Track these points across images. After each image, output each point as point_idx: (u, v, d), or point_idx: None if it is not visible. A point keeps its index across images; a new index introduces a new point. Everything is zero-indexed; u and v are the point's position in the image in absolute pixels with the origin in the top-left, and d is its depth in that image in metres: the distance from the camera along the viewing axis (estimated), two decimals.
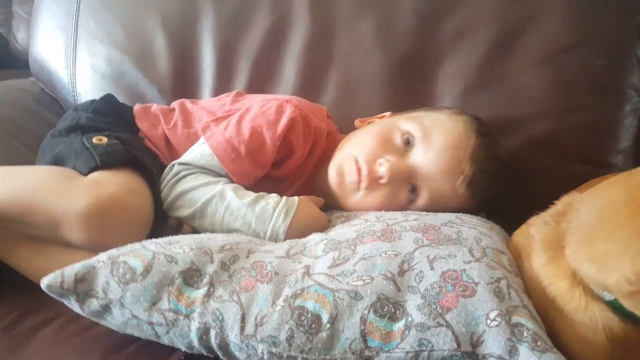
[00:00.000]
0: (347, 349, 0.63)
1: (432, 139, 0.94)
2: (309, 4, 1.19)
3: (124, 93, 1.27)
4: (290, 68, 1.21)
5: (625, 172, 0.69)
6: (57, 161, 0.92)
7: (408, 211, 0.92)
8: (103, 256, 0.71)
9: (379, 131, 0.99)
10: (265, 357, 0.64)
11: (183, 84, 1.26)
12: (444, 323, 0.62)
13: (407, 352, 0.62)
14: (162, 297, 0.68)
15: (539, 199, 0.79)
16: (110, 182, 0.83)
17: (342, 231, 0.81)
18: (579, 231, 0.66)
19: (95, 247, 0.76)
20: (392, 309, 0.64)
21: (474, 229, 0.79)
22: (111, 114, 1.06)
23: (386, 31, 1.14)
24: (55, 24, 1.34)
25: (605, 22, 1.03)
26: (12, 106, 1.27)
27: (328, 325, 0.64)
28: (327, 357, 0.63)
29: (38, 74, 1.40)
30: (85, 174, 0.85)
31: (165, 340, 0.69)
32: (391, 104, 1.12)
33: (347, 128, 1.09)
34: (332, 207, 0.99)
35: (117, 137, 0.94)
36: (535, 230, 0.75)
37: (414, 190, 0.95)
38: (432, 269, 0.68)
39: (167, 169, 0.94)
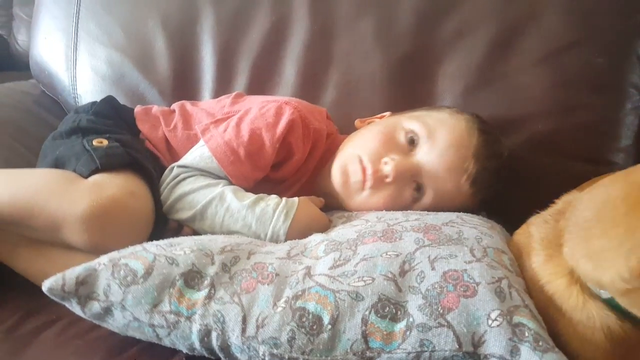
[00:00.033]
0: (349, 350, 0.63)
1: (437, 137, 0.94)
2: (309, 4, 1.19)
3: (124, 95, 1.27)
4: (290, 68, 1.20)
5: (624, 169, 0.69)
6: (58, 164, 0.92)
7: (409, 211, 0.92)
8: (104, 259, 0.71)
9: (382, 130, 0.99)
10: (266, 358, 0.64)
11: (183, 85, 1.26)
12: (445, 323, 0.62)
13: (409, 353, 0.62)
14: (163, 299, 0.68)
15: (540, 198, 0.79)
16: (111, 185, 0.83)
17: (342, 232, 0.81)
18: (576, 228, 0.66)
19: (96, 250, 0.76)
20: (394, 310, 0.64)
21: (475, 229, 0.79)
22: (112, 116, 1.06)
23: (386, 31, 1.14)
24: (56, 26, 1.34)
25: (606, 20, 1.03)
26: (13, 108, 1.27)
27: (329, 327, 0.64)
28: (329, 358, 0.63)
29: (39, 76, 1.40)
30: (86, 177, 0.85)
31: (166, 342, 0.69)
32: (391, 104, 1.12)
33: (348, 128, 1.09)
34: (333, 208, 0.99)
35: (118, 140, 0.94)
36: (534, 229, 0.76)
37: (418, 188, 0.95)
38: (433, 269, 0.68)
39: (166, 172, 0.93)
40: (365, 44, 1.15)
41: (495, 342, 0.61)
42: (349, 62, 1.17)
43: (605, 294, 0.64)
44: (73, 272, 0.69)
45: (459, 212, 0.89)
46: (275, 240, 0.86)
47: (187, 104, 1.12)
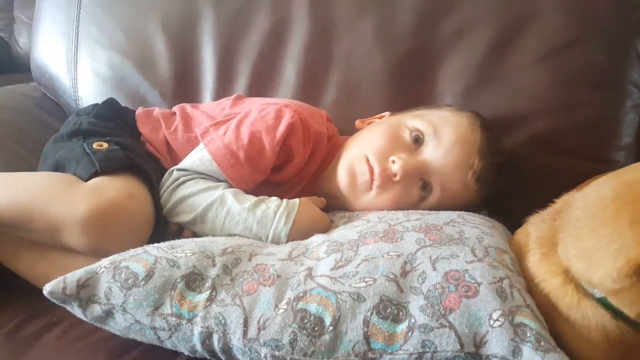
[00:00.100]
0: (350, 352, 0.63)
1: (442, 135, 0.94)
2: (309, 4, 1.18)
3: (125, 97, 1.27)
4: (290, 69, 1.20)
5: (620, 169, 0.69)
6: (58, 166, 0.92)
7: (410, 210, 0.91)
8: (105, 262, 0.71)
9: (387, 129, 0.99)
10: None
11: (184, 86, 1.26)
12: (447, 324, 0.62)
13: (411, 354, 0.62)
14: (164, 301, 0.68)
15: (541, 196, 0.79)
16: (110, 188, 0.83)
17: (344, 232, 0.81)
18: (569, 227, 0.66)
19: (96, 253, 0.76)
20: (395, 311, 0.64)
21: (476, 228, 0.79)
22: (113, 119, 1.07)
23: (386, 31, 1.14)
24: (57, 29, 1.35)
25: (605, 18, 1.03)
26: (15, 111, 1.28)
27: (331, 328, 0.64)
28: (330, 359, 0.63)
29: (40, 79, 1.40)
30: (86, 180, 0.85)
31: (168, 344, 0.69)
32: (392, 104, 1.12)
33: (349, 128, 1.09)
34: (334, 209, 0.99)
35: (118, 143, 0.94)
36: (532, 228, 0.76)
37: (425, 187, 0.95)
38: (434, 269, 0.68)
39: (166, 175, 0.93)
40: (365, 44, 1.15)
41: (497, 343, 0.60)
42: (349, 62, 1.17)
43: (598, 293, 0.64)
44: (74, 276, 0.69)
45: (463, 209, 0.89)
46: (276, 242, 0.86)
47: (188, 107, 1.12)
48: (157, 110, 1.12)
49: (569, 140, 1.05)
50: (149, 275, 0.69)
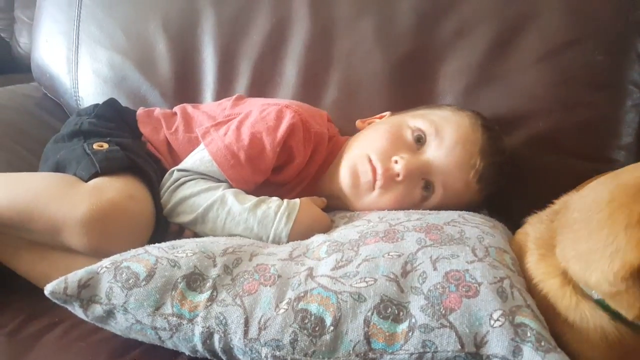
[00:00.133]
0: (351, 352, 0.63)
1: (444, 135, 0.94)
2: (309, 5, 1.18)
3: (126, 97, 1.27)
4: (291, 69, 1.20)
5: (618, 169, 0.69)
6: (59, 167, 0.92)
7: (411, 211, 0.91)
8: (106, 262, 0.71)
9: (388, 129, 0.99)
10: None
11: (185, 87, 1.26)
12: (448, 324, 0.62)
13: (411, 354, 0.62)
14: (165, 301, 0.68)
15: (541, 196, 0.79)
16: (111, 188, 0.83)
17: (344, 232, 0.81)
18: (567, 229, 0.67)
19: (96, 253, 0.76)
20: (396, 311, 0.64)
21: (476, 228, 0.79)
22: (114, 119, 1.07)
23: (386, 31, 1.14)
24: (57, 29, 1.35)
25: (605, 18, 1.03)
26: (15, 111, 1.28)
27: (331, 328, 0.64)
28: (331, 359, 0.63)
29: (40, 79, 1.40)
30: (86, 181, 0.85)
31: (169, 344, 0.69)
32: (392, 104, 1.12)
33: (349, 128, 1.09)
34: (335, 209, 0.99)
35: (119, 143, 0.94)
36: (531, 229, 0.76)
37: (427, 187, 0.95)
38: (435, 269, 0.68)
39: (166, 176, 0.94)
40: (365, 44, 1.15)
41: (497, 343, 0.60)
42: (350, 62, 1.17)
43: (596, 295, 0.64)
44: (75, 276, 0.69)
45: (464, 209, 0.89)
46: (277, 242, 0.86)
47: (189, 107, 1.12)
48: (158, 111, 1.12)
49: (569, 140, 1.05)
50: (150, 276, 0.69)
